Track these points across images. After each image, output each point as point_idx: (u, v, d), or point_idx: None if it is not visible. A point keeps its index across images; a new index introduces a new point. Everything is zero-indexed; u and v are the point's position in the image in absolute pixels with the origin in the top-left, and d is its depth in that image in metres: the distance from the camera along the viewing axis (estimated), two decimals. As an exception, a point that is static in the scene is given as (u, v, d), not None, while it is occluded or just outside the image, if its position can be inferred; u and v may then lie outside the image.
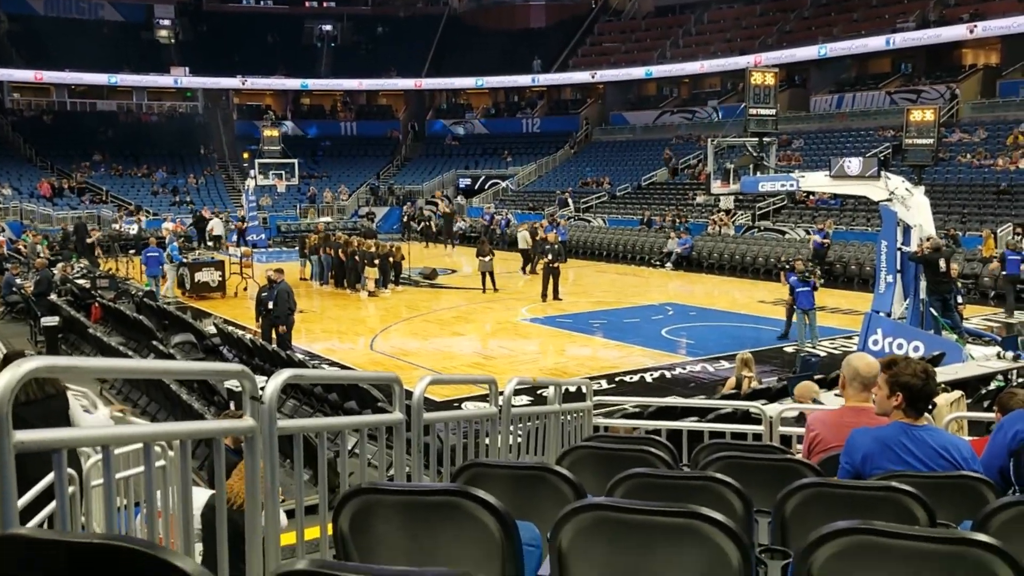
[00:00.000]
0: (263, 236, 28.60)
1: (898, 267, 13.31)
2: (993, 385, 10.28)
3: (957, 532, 1.92)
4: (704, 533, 2.16)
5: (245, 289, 21.18)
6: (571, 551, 2.26)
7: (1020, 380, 10.21)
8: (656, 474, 3.12)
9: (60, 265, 21.47)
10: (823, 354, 14.51)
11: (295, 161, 30.34)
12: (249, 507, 2.38)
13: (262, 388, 2.47)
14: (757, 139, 15.06)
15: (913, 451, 3.36)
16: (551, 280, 20.30)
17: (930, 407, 6.24)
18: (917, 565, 1.95)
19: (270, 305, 13.59)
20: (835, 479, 3.17)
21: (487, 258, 21.95)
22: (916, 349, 11.82)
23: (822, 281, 18.45)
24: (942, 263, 13.02)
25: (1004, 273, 18.33)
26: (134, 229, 30.90)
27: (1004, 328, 15.84)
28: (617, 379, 13.23)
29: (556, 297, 20.29)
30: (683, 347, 15.77)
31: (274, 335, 13.60)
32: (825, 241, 23.22)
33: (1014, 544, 1.95)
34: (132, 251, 26.08)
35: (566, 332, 17.29)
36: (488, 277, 21.83)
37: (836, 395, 8.08)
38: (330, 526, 2.43)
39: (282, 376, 2.50)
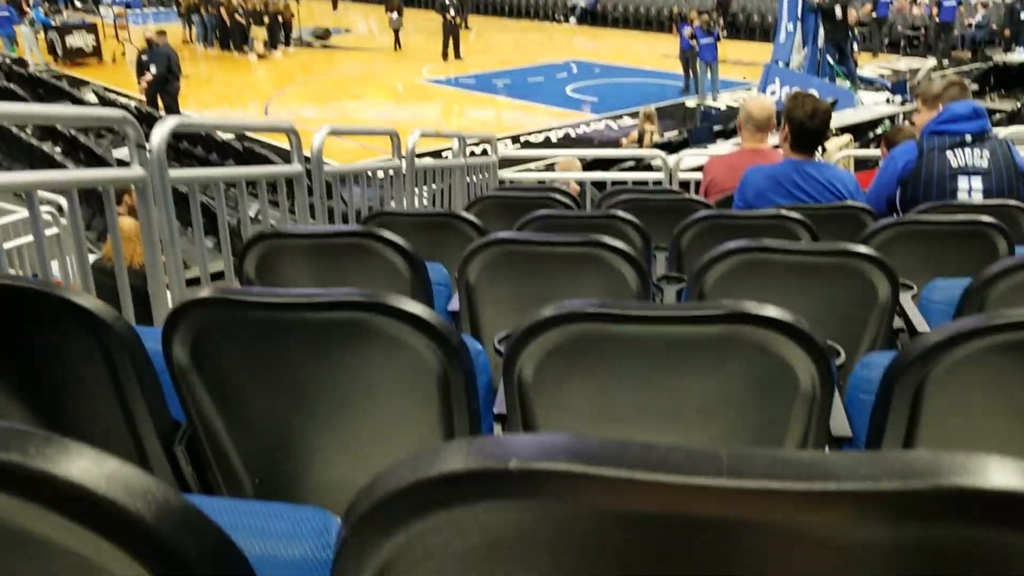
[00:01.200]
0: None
1: (798, 15, 13.25)
2: (880, 129, 10.69)
3: (838, 245, 2.04)
4: (605, 261, 2.24)
5: (123, 54, 19.76)
6: (478, 284, 2.33)
7: (906, 122, 10.61)
8: (560, 215, 3.18)
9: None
10: (723, 107, 14.69)
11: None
12: (149, 257, 2.34)
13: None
14: None
15: (802, 186, 3.51)
16: (451, 39, 19.53)
17: (822, 150, 6.46)
18: (802, 277, 2.08)
19: (152, 68, 12.76)
20: (729, 211, 3.30)
21: (395, 14, 20.84)
22: (811, 98, 12.04)
23: (725, 32, 18.30)
24: (838, 10, 13.01)
25: (874, 16, 18.56)
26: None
27: (894, 74, 16.21)
28: (522, 139, 13.21)
29: (457, 56, 19.62)
30: (588, 105, 15.70)
31: (160, 102, 12.89)
32: (729, -9, 22.81)
33: (890, 257, 2.10)
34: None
35: (469, 93, 16.93)
36: (396, 35, 20.93)
37: (735, 144, 8.27)
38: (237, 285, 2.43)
39: (169, 123, 2.37)
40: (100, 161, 8.95)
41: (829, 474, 0.44)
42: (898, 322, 2.22)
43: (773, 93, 12.69)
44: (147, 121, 11.80)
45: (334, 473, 1.50)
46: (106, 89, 15.35)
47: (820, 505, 0.44)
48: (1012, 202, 3.17)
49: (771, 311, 1.26)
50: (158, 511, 0.54)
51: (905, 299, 2.26)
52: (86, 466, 0.53)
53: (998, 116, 10.91)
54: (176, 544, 0.55)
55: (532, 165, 9.70)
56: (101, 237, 6.86)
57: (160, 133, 2.31)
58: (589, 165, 8.62)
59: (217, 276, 3.56)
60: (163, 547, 0.55)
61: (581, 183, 6.38)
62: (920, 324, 2.14)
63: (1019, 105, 12.67)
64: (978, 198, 3.33)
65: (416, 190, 5.43)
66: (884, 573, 0.47)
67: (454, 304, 2.50)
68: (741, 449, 0.46)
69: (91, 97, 13.73)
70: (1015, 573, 0.45)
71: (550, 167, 8.69)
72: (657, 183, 6.35)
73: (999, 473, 0.44)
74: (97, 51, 19.90)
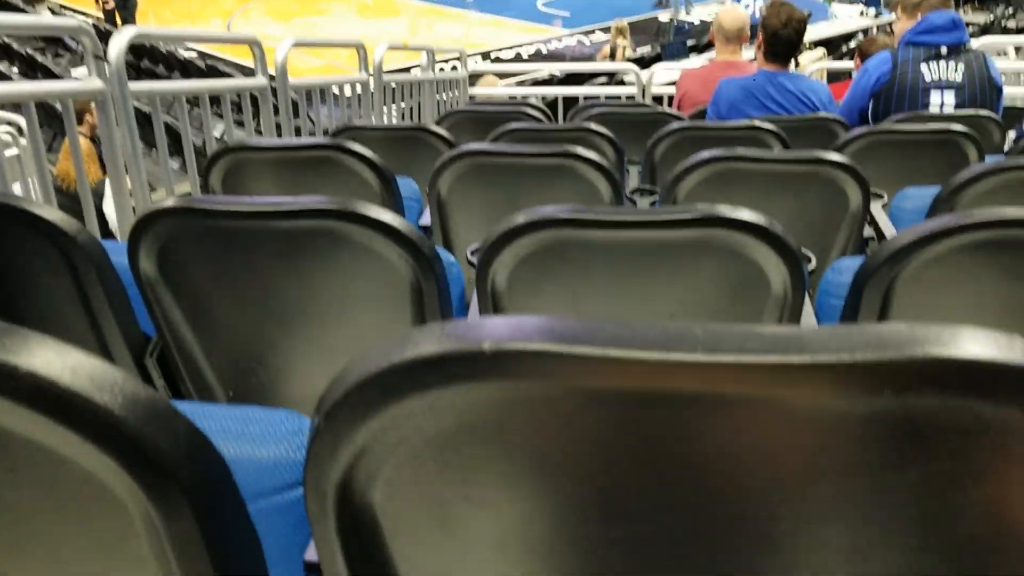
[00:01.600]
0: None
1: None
2: (854, 43, 10.60)
3: (811, 153, 2.04)
4: (578, 172, 2.22)
5: (77, -31, 19.01)
6: (450, 198, 2.30)
7: (880, 33, 10.53)
8: (532, 128, 3.13)
9: None
10: (696, 22, 14.49)
11: None
12: (112, 173, 2.28)
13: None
14: None
15: (775, 97, 3.49)
16: (418, -49, 18.98)
17: (795, 64, 6.41)
18: (775, 186, 2.08)
19: (108, -16, 12.30)
20: (702, 123, 3.27)
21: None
22: (785, 11, 11.87)
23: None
24: (817, -80, 12.76)
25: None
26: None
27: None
28: (493, 56, 12.97)
29: (425, -30, 19.11)
30: (559, 20, 15.40)
31: (119, 19, 12.46)
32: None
33: (862, 166, 2.10)
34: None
35: (437, 7, 16.53)
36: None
37: (709, 59, 8.17)
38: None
39: (128, 32, 2.29)
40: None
41: (804, 347, 0.44)
42: (868, 231, 2.24)
43: (748, 7, 12.51)
44: (106, 40, 11.39)
45: (307, 383, 1.50)
46: (62, 7, 14.78)
47: (796, 377, 0.44)
48: (984, 112, 3.17)
49: (744, 214, 1.26)
50: (125, 403, 0.53)
51: (876, 207, 2.27)
52: (49, 357, 0.52)
53: (971, 29, 10.83)
54: (145, 436, 0.54)
55: (503, 82, 9.54)
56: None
57: (118, 43, 2.22)
58: (561, 81, 8.50)
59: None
60: (132, 440, 0.54)
61: (553, 99, 6.30)
62: (890, 232, 2.15)
63: (992, 18, 12.60)
64: (949, 112, 3.33)
65: (384, 108, 5.34)
66: (858, 444, 0.47)
67: (425, 219, 2.48)
68: (716, 324, 0.46)
69: (46, 14, 13.22)
70: (987, 442, 0.46)
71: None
72: (630, 98, 6.28)
73: (973, 343, 0.44)
74: (49, -34, 19.11)
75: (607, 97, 6.27)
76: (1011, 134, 3.38)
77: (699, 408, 0.47)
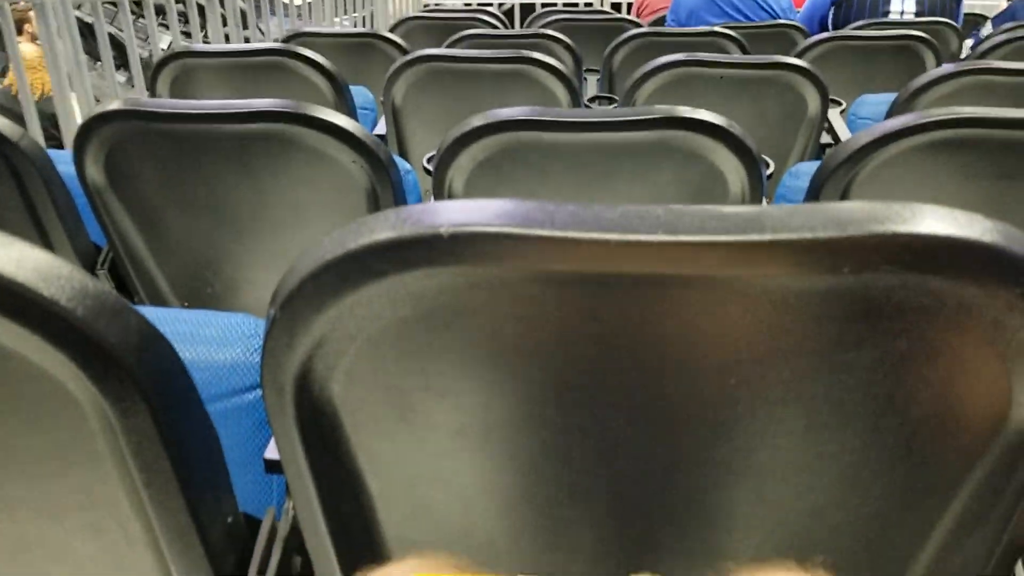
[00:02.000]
0: None
1: None
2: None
3: (771, 57, 2.02)
4: (536, 78, 2.18)
5: None
6: (405, 105, 2.26)
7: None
8: (489, 34, 3.06)
9: None
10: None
11: None
12: (55, 80, 2.18)
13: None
14: None
15: (736, 4, 3.44)
16: None
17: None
18: (734, 91, 2.06)
19: None
20: (661, 28, 3.22)
21: None
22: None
23: None
24: None
25: None
26: None
27: None
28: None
29: None
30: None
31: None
32: None
33: (821, 73, 2.08)
34: None
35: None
36: None
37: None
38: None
39: (60, -71, 2.16)
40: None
41: (764, 225, 0.43)
42: (826, 138, 2.24)
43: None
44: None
45: (262, 292, 1.48)
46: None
47: (756, 256, 0.44)
48: (943, 20, 3.16)
49: (703, 115, 1.25)
50: (73, 295, 0.51)
51: (833, 114, 2.27)
52: (-11, 249, 0.50)
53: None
54: (95, 329, 0.53)
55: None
56: (4, 72, 6.39)
57: (50, -60, 2.10)
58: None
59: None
60: (82, 332, 0.52)
61: (510, 7, 6.16)
62: (847, 138, 2.16)
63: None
64: (910, 20, 3.31)
65: (336, 19, 5.20)
66: (816, 324, 0.48)
67: (380, 127, 2.43)
68: (677, 205, 0.45)
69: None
70: (943, 320, 0.47)
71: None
72: (588, 5, 6.16)
73: (933, 220, 0.44)
74: None
75: (565, 4, 6.13)
76: (969, 41, 3.39)
77: (660, 290, 0.47)
